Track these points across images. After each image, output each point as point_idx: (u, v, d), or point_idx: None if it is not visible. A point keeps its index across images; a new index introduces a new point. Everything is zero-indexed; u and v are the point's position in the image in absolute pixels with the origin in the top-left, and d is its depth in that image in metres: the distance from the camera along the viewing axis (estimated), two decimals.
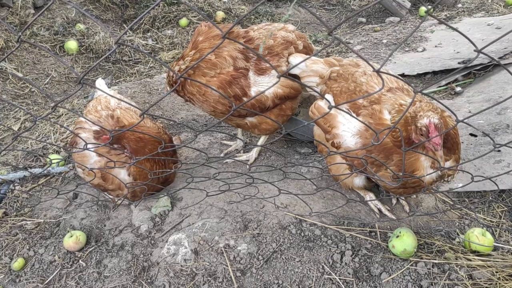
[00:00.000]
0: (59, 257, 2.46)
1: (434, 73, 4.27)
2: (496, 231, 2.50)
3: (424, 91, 3.44)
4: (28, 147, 3.50)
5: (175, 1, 6.07)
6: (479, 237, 2.29)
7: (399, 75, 4.19)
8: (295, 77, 2.76)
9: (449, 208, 2.66)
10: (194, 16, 6.08)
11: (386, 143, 2.11)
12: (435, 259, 2.23)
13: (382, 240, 2.38)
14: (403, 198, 2.68)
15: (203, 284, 2.17)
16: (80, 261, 2.43)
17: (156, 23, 5.98)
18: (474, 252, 2.31)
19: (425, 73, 4.28)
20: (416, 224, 2.55)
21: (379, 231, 2.44)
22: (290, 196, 2.58)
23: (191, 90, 2.63)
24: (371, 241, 2.36)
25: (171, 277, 2.22)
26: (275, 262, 2.24)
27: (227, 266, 2.22)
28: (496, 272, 2.15)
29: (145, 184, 2.49)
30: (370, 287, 2.13)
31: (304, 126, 3.06)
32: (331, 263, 2.22)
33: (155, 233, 2.52)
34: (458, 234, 2.46)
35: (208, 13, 6.03)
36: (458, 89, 3.93)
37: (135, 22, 1.24)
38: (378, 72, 1.22)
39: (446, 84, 4.06)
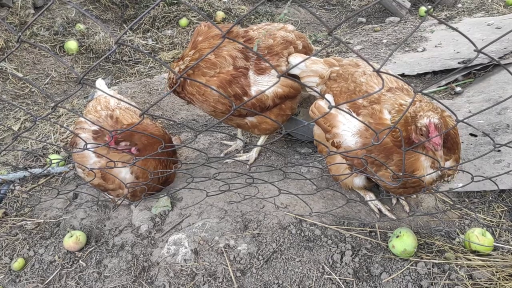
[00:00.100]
0: (59, 257, 2.46)
1: (434, 73, 4.27)
2: (496, 231, 2.50)
3: (424, 91, 3.44)
4: (28, 147, 3.50)
5: (175, 1, 6.07)
6: (479, 237, 2.29)
7: (399, 75, 4.19)
8: (295, 77, 2.76)
9: (449, 208, 2.66)
10: (194, 16, 6.08)
11: (386, 142, 2.11)
12: (435, 259, 2.23)
13: (382, 240, 2.38)
14: (403, 198, 2.68)
15: (203, 284, 2.17)
16: (80, 261, 2.43)
17: (156, 23, 5.98)
18: (474, 252, 2.31)
19: (425, 73, 4.28)
20: (416, 224, 2.55)
21: (379, 231, 2.44)
22: (290, 196, 2.58)
23: (191, 91, 2.63)
24: (371, 241, 2.36)
25: (171, 277, 2.22)
26: (275, 262, 2.24)
27: (227, 266, 2.22)
28: (496, 272, 2.15)
29: (145, 184, 2.49)
30: (370, 287, 2.13)
31: (304, 126, 3.06)
32: (331, 263, 2.22)
33: (155, 233, 2.52)
34: (458, 234, 2.46)
35: (208, 13, 6.03)
36: (458, 89, 3.93)
37: (135, 22, 1.24)
38: (378, 72, 1.22)
39: (446, 84, 4.06)
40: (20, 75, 4.62)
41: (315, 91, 1.58)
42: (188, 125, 3.73)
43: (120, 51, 5.33)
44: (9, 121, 3.95)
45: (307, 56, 2.71)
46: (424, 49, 4.85)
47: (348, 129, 2.29)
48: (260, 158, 3.16)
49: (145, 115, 1.75)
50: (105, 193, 2.69)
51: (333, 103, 2.44)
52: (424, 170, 2.10)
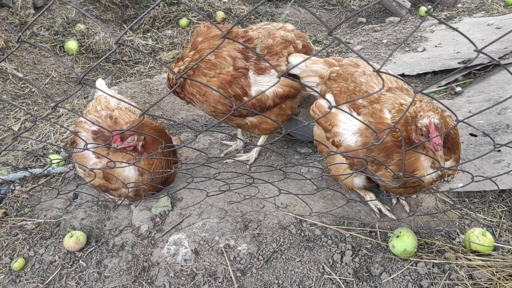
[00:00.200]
0: (59, 257, 2.46)
1: (434, 73, 4.27)
2: (496, 231, 2.50)
3: (424, 91, 3.44)
4: (28, 147, 3.51)
5: (175, 1, 6.07)
6: (479, 237, 2.29)
7: (399, 75, 4.19)
8: (295, 77, 2.76)
9: (449, 208, 2.66)
10: (194, 16, 6.08)
11: (386, 142, 2.11)
12: (435, 259, 2.23)
13: (382, 240, 2.38)
14: (403, 198, 2.68)
15: (203, 284, 2.17)
16: (80, 261, 2.43)
17: (156, 23, 5.98)
18: (474, 252, 2.31)
19: (425, 73, 4.28)
20: (416, 224, 2.55)
21: (379, 231, 2.44)
22: (290, 196, 2.58)
23: (191, 91, 2.63)
24: (371, 241, 2.36)
25: (171, 277, 2.23)
26: (275, 262, 2.24)
27: (227, 266, 2.22)
28: (496, 272, 2.15)
29: (146, 183, 2.49)
30: (370, 287, 2.13)
31: (304, 126, 3.06)
32: (331, 263, 2.22)
33: (155, 233, 2.52)
34: (458, 234, 2.46)
35: (208, 13, 6.03)
36: (458, 89, 3.93)
37: (135, 22, 1.24)
38: (378, 72, 1.22)
39: (446, 84, 4.06)
40: (20, 75, 4.62)
41: (315, 91, 1.58)
42: (188, 125, 3.73)
43: (120, 51, 5.33)
44: (9, 121, 3.95)
45: (307, 56, 2.71)
46: (424, 49, 4.85)
47: (349, 128, 2.29)
48: (260, 158, 3.16)
49: (145, 115, 1.75)
50: (106, 193, 2.69)
51: (333, 103, 2.44)
52: (424, 170, 2.10)
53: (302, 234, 2.38)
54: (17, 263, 2.42)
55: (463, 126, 3.11)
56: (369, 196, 2.63)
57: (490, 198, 2.67)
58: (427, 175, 2.10)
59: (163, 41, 5.69)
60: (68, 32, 5.42)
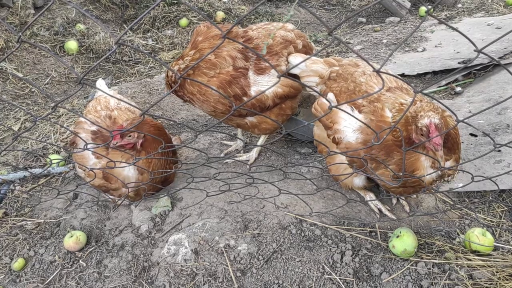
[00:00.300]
0: (59, 257, 2.46)
1: (434, 73, 4.27)
2: (496, 231, 2.50)
3: (424, 91, 3.44)
4: (28, 147, 3.51)
5: (175, 1, 6.07)
6: (479, 237, 2.29)
7: (399, 75, 4.19)
8: (295, 77, 2.76)
9: (449, 208, 2.66)
10: (194, 16, 6.08)
11: (387, 140, 2.11)
12: (436, 259, 2.23)
13: (382, 240, 2.38)
14: (403, 198, 2.68)
15: (204, 284, 2.17)
16: (80, 261, 2.43)
17: (156, 23, 5.98)
18: (474, 252, 2.31)
19: (425, 73, 4.28)
20: (416, 224, 2.55)
21: (379, 231, 2.44)
22: (290, 196, 2.58)
23: (192, 90, 2.63)
24: (371, 241, 2.36)
25: (171, 277, 2.22)
26: (275, 262, 2.24)
27: (228, 266, 2.22)
28: (497, 272, 2.15)
29: (146, 183, 2.49)
30: (370, 287, 2.13)
31: (304, 126, 3.06)
32: (331, 263, 2.22)
33: (155, 233, 2.52)
34: (458, 234, 2.46)
35: (208, 13, 6.03)
36: (458, 89, 3.93)
37: (135, 22, 1.24)
38: (378, 72, 1.22)
39: (446, 84, 4.06)
40: (20, 75, 4.62)
41: (315, 90, 1.58)
42: (188, 125, 3.73)
43: (120, 51, 5.33)
44: (9, 121, 3.95)
45: (307, 56, 2.71)
46: (424, 49, 4.85)
47: (350, 125, 2.29)
48: (260, 158, 3.16)
49: (145, 115, 1.75)
50: (106, 193, 2.69)
51: (334, 102, 2.45)
52: (424, 170, 2.10)
53: (302, 234, 2.38)
54: (17, 263, 2.42)
55: (463, 126, 3.11)
56: (369, 196, 2.63)
57: (490, 198, 2.67)
58: (427, 175, 2.10)
59: (163, 41, 5.69)
60: (68, 32, 5.42)
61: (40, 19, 5.38)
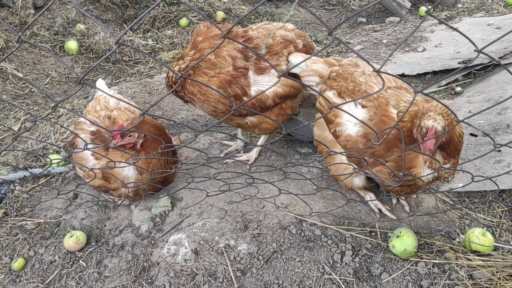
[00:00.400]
0: (59, 257, 2.46)
1: (434, 73, 4.27)
2: (496, 231, 2.50)
3: (424, 91, 3.44)
4: (28, 147, 3.51)
5: (175, 1, 6.07)
6: (479, 237, 2.29)
7: (399, 75, 4.19)
8: (295, 76, 2.76)
9: (450, 208, 2.66)
10: (194, 16, 6.08)
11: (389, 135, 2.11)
12: (436, 259, 2.23)
13: (382, 240, 2.38)
14: (403, 198, 2.68)
15: (204, 284, 2.17)
16: (80, 261, 2.43)
17: (156, 23, 5.98)
18: (474, 252, 2.31)
19: (425, 73, 4.28)
20: (416, 224, 2.55)
21: (379, 231, 2.44)
22: (290, 196, 2.58)
23: (192, 90, 2.63)
24: (371, 241, 2.36)
25: (171, 277, 2.22)
26: (275, 262, 2.24)
27: (228, 266, 2.22)
28: (497, 272, 2.15)
29: (146, 183, 2.49)
30: (370, 287, 2.13)
31: (304, 126, 3.06)
32: (331, 263, 2.22)
33: (155, 233, 2.52)
34: (458, 234, 2.46)
35: (208, 13, 6.03)
36: (458, 89, 3.93)
37: (135, 22, 1.24)
38: (378, 72, 1.22)
39: (446, 84, 4.06)
40: (20, 75, 4.62)
41: (315, 90, 1.58)
42: (188, 125, 3.73)
43: (120, 51, 5.33)
44: (9, 121, 3.95)
45: (308, 56, 2.71)
46: (424, 49, 4.85)
47: (351, 119, 2.29)
48: (260, 158, 3.16)
49: (145, 115, 1.75)
50: (106, 194, 2.69)
51: (336, 99, 2.45)
52: (422, 169, 2.10)
53: (302, 234, 2.38)
54: (17, 263, 2.42)
55: (463, 126, 3.10)
56: (369, 196, 2.63)
57: (490, 198, 2.67)
58: (426, 175, 2.11)
59: (163, 41, 5.69)
60: (68, 32, 5.42)
61: (40, 19, 5.38)
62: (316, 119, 2.80)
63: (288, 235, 2.37)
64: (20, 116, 4.00)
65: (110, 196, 2.69)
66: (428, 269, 2.17)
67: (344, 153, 2.33)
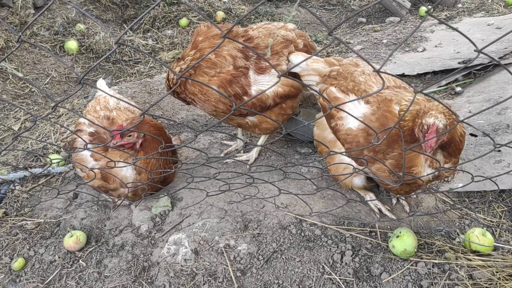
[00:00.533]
0: (59, 257, 2.46)
1: (434, 73, 4.27)
2: (496, 231, 2.50)
3: (424, 91, 3.44)
4: (28, 147, 3.51)
5: (175, 1, 6.07)
6: (479, 237, 2.29)
7: (399, 75, 4.19)
8: (295, 76, 2.76)
9: (449, 208, 2.66)
10: (194, 16, 6.08)
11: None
12: (435, 259, 2.23)
13: (382, 240, 2.38)
14: (403, 198, 2.68)
15: (203, 284, 2.17)
16: (80, 261, 2.43)
17: (156, 23, 5.98)
18: (474, 252, 2.31)
19: (425, 73, 4.28)
20: (416, 224, 2.55)
21: (379, 231, 2.44)
22: (290, 196, 2.58)
23: (193, 90, 2.63)
24: (371, 241, 2.36)
25: (171, 277, 2.22)
26: (275, 262, 2.24)
27: (227, 266, 2.22)
28: (496, 272, 2.15)
29: (145, 183, 2.49)
30: (370, 287, 2.13)
31: (304, 126, 3.06)
32: (331, 263, 2.22)
33: (155, 233, 2.52)
34: (458, 234, 2.46)
35: (208, 13, 6.03)
36: (458, 89, 3.93)
37: (135, 22, 1.24)
38: (378, 72, 1.22)
39: (446, 84, 4.06)
40: (20, 75, 4.62)
41: (315, 90, 1.58)
42: (188, 125, 3.73)
43: (120, 51, 5.33)
44: (9, 121, 3.95)
45: (308, 55, 2.72)
46: (424, 49, 4.85)
47: (353, 114, 2.29)
48: (260, 158, 3.16)
49: (144, 115, 1.75)
50: (106, 194, 2.69)
51: (340, 94, 2.45)
52: (422, 168, 2.11)
53: (302, 234, 2.38)
54: (17, 263, 2.42)
55: (463, 126, 3.10)
56: (369, 196, 2.63)
57: (490, 198, 2.67)
58: (427, 174, 2.11)
59: (163, 41, 5.69)
60: (68, 32, 5.42)
61: (40, 19, 5.38)
62: (316, 119, 2.81)
63: (288, 235, 2.37)
64: (20, 116, 4.00)
65: (110, 196, 2.69)
66: (428, 269, 2.17)
67: (344, 153, 2.33)
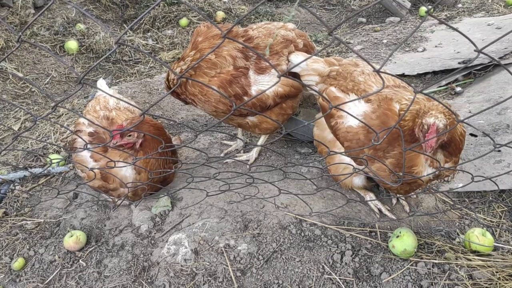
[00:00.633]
0: (59, 257, 2.46)
1: (434, 73, 4.27)
2: (496, 231, 2.50)
3: (424, 91, 3.44)
4: (28, 147, 3.51)
5: (175, 1, 6.07)
6: (479, 237, 2.29)
7: (399, 75, 4.19)
8: (295, 76, 2.76)
9: (449, 208, 2.66)
10: (194, 16, 6.08)
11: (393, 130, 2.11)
12: (435, 259, 2.23)
13: (382, 240, 2.38)
14: (403, 198, 2.68)
15: (203, 284, 2.17)
16: (80, 261, 2.43)
17: (156, 23, 5.98)
18: (474, 252, 2.31)
19: (425, 73, 4.28)
20: (416, 224, 2.55)
21: (379, 231, 2.44)
22: (290, 196, 2.58)
23: (193, 91, 2.63)
24: (371, 241, 2.36)
25: (171, 277, 2.23)
26: (275, 262, 2.24)
27: (227, 266, 2.22)
28: (496, 272, 2.15)
29: (145, 183, 2.49)
30: (370, 287, 2.13)
31: (304, 126, 3.06)
32: (331, 263, 2.22)
33: (155, 233, 2.52)
34: (458, 234, 2.46)
35: (208, 13, 6.03)
36: (458, 89, 3.93)
37: (135, 22, 1.24)
38: (378, 72, 1.22)
39: (446, 84, 4.06)
40: (20, 75, 4.62)
41: (314, 90, 1.58)
42: (188, 125, 3.73)
43: (120, 51, 5.33)
44: (9, 121, 3.95)
45: (309, 55, 2.72)
46: (424, 49, 4.84)
47: (353, 113, 2.30)
48: (260, 158, 3.16)
49: (144, 115, 1.75)
50: (106, 194, 2.69)
51: (340, 93, 2.46)
52: (423, 167, 2.11)
53: (302, 234, 2.38)
54: (17, 263, 2.42)
55: (463, 126, 3.10)
56: (369, 196, 2.63)
57: (490, 198, 2.67)
58: (427, 174, 2.11)
59: (163, 41, 5.69)
60: (68, 32, 5.42)
61: (40, 18, 5.38)
62: (316, 119, 2.81)
63: (288, 235, 2.37)
64: (20, 115, 4.00)
65: (110, 196, 2.69)
66: (428, 269, 2.17)
67: (344, 153, 2.33)
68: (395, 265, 2.22)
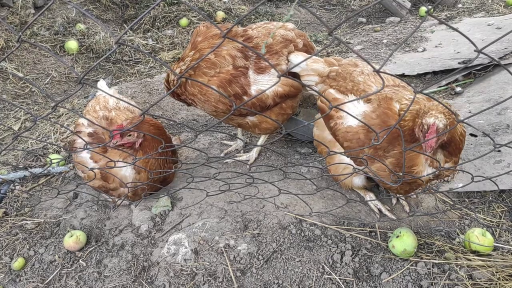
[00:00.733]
0: (59, 257, 2.46)
1: (434, 73, 4.27)
2: (496, 231, 2.50)
3: (424, 91, 3.44)
4: (28, 147, 3.51)
5: (176, 1, 6.07)
6: (479, 237, 2.29)
7: (399, 75, 4.19)
8: (295, 76, 2.76)
9: (449, 208, 2.66)
10: (195, 16, 6.08)
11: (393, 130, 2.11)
12: (435, 259, 2.23)
13: (382, 240, 2.38)
14: (403, 198, 2.68)
15: (203, 284, 2.17)
16: (80, 260, 2.43)
17: (156, 23, 5.98)
18: (474, 252, 2.31)
19: (425, 73, 4.28)
20: (416, 224, 2.55)
21: (379, 231, 2.44)
22: (290, 196, 2.58)
23: (193, 91, 2.63)
24: (371, 241, 2.36)
25: (171, 277, 2.23)
26: (275, 262, 2.24)
27: (227, 266, 2.22)
28: (496, 272, 2.15)
29: (144, 183, 2.49)
30: (370, 287, 2.13)
31: (304, 126, 3.06)
32: (331, 263, 2.22)
33: (155, 233, 2.52)
34: (458, 234, 2.46)
35: (208, 13, 6.03)
36: (458, 89, 3.93)
37: (136, 22, 1.24)
38: (378, 72, 1.22)
39: (446, 84, 4.06)
40: (21, 75, 4.62)
41: (314, 90, 1.58)
42: (188, 125, 3.73)
43: (120, 51, 5.33)
44: (9, 120, 3.95)
45: (308, 55, 2.72)
46: (424, 49, 4.84)
47: (353, 113, 2.30)
48: (260, 158, 3.16)
49: (144, 115, 1.75)
50: (106, 194, 2.69)
51: (338, 95, 2.46)
52: (423, 167, 2.11)
53: (302, 234, 2.38)
54: (17, 263, 2.42)
55: (463, 126, 3.10)
56: (369, 196, 2.63)
57: (490, 198, 2.67)
58: (427, 174, 2.11)
59: (163, 41, 5.69)
60: (68, 32, 5.42)
61: (40, 18, 5.38)
62: (316, 119, 2.81)
63: (288, 235, 2.37)
64: (20, 115, 4.00)
65: (110, 196, 2.69)
66: (427, 269, 2.17)
67: (344, 153, 2.33)
68: (395, 265, 2.22)
